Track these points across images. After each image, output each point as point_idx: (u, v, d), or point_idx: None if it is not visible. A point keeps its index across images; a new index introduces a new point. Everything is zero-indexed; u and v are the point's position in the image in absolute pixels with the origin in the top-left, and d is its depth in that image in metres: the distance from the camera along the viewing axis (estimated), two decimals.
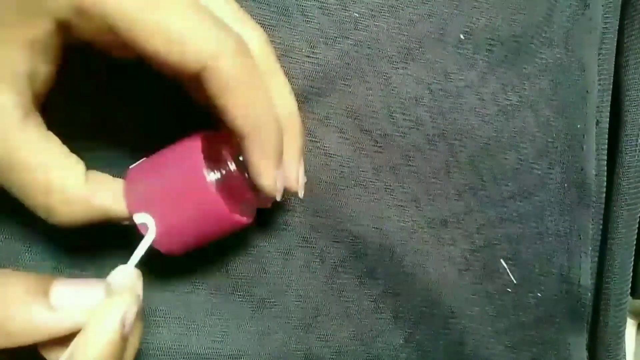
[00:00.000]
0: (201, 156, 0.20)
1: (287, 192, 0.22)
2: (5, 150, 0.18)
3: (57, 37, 0.18)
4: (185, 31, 0.17)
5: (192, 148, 0.20)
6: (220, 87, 0.18)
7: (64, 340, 0.18)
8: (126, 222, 0.21)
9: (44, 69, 0.18)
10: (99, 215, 0.20)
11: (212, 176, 0.20)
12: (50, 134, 0.19)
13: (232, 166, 0.21)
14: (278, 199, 0.21)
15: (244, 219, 0.21)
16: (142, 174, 0.21)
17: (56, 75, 0.19)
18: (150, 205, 0.20)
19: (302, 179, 0.23)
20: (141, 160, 0.21)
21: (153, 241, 0.20)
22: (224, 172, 0.20)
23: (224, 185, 0.20)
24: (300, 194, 0.23)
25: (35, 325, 0.17)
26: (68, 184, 0.19)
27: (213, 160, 0.20)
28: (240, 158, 0.21)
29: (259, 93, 0.19)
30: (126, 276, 0.19)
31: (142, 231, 0.20)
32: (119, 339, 0.18)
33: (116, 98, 0.24)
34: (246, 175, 0.21)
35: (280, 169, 0.21)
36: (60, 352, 0.18)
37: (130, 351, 0.19)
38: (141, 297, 0.20)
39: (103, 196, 0.20)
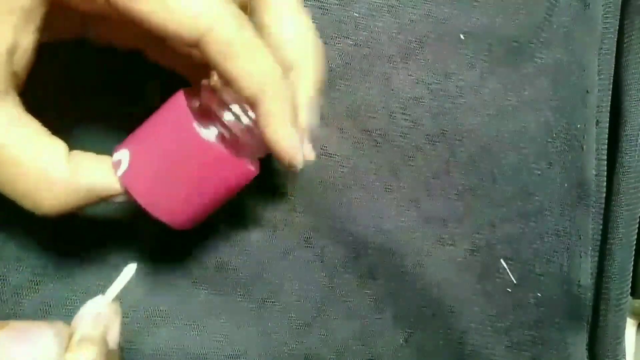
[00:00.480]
0: (186, 108, 0.19)
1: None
2: None
3: (44, 5, 0.17)
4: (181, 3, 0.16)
5: (177, 103, 0.19)
6: (221, 51, 0.17)
7: None
8: (118, 200, 0.20)
9: (26, 42, 0.17)
10: (84, 196, 0.19)
11: (208, 132, 0.19)
12: (29, 115, 0.18)
13: (227, 114, 0.19)
14: (299, 164, 0.20)
15: (252, 168, 0.20)
16: (131, 138, 0.20)
17: (35, 53, 0.18)
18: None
19: (298, 147, 0.20)
20: (128, 137, 0.20)
21: (165, 219, 0.19)
22: (217, 124, 0.19)
23: (221, 137, 0.19)
24: (299, 165, 0.20)
25: None
26: (48, 163, 0.18)
27: (203, 114, 0.19)
28: (231, 107, 0.20)
29: (262, 55, 0.18)
30: (95, 313, 0.19)
31: (116, 170, 0.19)
32: None
33: (101, 84, 0.24)
34: (242, 123, 0.20)
35: (290, 128, 0.19)
36: None
37: None
38: (115, 334, 0.19)
39: (87, 175, 0.19)
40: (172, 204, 0.20)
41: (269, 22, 0.20)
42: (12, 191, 0.18)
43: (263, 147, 0.20)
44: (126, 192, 0.19)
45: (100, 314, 0.19)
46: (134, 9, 0.16)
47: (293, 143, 0.19)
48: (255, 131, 0.20)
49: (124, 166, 0.19)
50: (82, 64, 0.23)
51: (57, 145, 0.18)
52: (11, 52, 0.17)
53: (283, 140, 0.19)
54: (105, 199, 0.19)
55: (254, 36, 0.18)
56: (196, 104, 0.20)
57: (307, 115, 0.21)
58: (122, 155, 0.19)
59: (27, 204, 0.18)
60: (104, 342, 0.18)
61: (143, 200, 0.19)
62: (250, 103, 0.18)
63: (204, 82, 0.20)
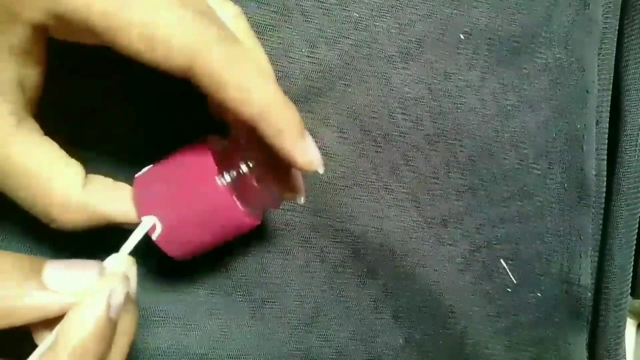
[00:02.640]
0: (211, 158, 0.19)
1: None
2: (1, 157, 0.18)
3: (39, 41, 0.17)
4: (166, 29, 0.16)
5: (202, 151, 0.20)
6: (214, 80, 0.17)
7: (55, 322, 0.17)
8: (129, 226, 0.21)
9: (32, 74, 0.18)
10: (98, 221, 0.20)
11: (224, 179, 0.20)
12: (47, 138, 0.19)
13: (244, 168, 0.20)
14: (321, 171, 0.20)
15: (255, 221, 0.21)
16: (151, 179, 0.20)
17: (44, 78, 0.19)
18: (158, 208, 0.20)
19: (315, 153, 0.20)
20: (148, 167, 0.21)
21: (162, 245, 0.20)
22: (234, 174, 0.20)
23: (235, 187, 0.20)
24: (320, 169, 0.20)
25: (26, 304, 0.17)
26: (66, 189, 0.19)
27: (223, 163, 0.20)
28: (249, 163, 0.20)
29: (254, 75, 0.17)
30: (118, 261, 0.19)
31: (151, 234, 0.20)
32: (105, 321, 0.17)
33: (117, 101, 0.24)
34: (255, 179, 0.21)
35: (305, 139, 0.19)
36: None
37: (123, 341, 0.18)
38: (134, 283, 0.19)
39: (103, 202, 0.19)
40: (186, 246, 0.21)
41: None
42: (30, 209, 0.19)
43: (275, 200, 0.22)
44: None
45: (120, 260, 0.19)
46: (127, 49, 0.16)
47: (312, 152, 0.19)
48: (269, 184, 0.21)
49: (158, 229, 0.20)
50: (100, 80, 0.24)
51: (75, 169, 0.19)
52: (21, 83, 0.18)
53: (303, 153, 0.19)
54: (116, 225, 0.20)
55: (242, 57, 0.17)
56: (219, 148, 0.21)
57: None
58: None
59: (44, 221, 0.19)
60: (127, 279, 0.19)
61: (169, 251, 0.21)
62: (254, 128, 0.18)
63: (235, 155, 0.21)
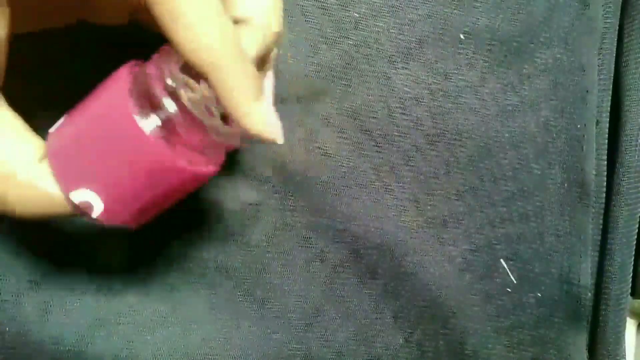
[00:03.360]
0: (127, 93, 0.16)
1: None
2: None
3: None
4: None
5: (118, 85, 0.16)
6: (164, 14, 0.15)
7: None
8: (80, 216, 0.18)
9: None
10: (58, 204, 0.17)
11: (147, 120, 0.16)
12: (8, 111, 0.17)
13: (171, 105, 0.16)
14: (279, 141, 0.17)
15: (210, 168, 0.17)
16: (66, 139, 0.17)
17: (7, 47, 0.17)
18: (85, 177, 0.16)
19: (273, 119, 0.18)
20: (62, 119, 0.17)
21: (103, 217, 0.17)
22: (162, 115, 0.16)
23: (167, 127, 0.16)
24: (279, 139, 0.18)
25: None
26: (18, 164, 0.16)
27: (146, 102, 0.16)
28: (179, 75, 0.17)
29: (210, 19, 0.15)
30: None
31: (88, 211, 0.16)
32: None
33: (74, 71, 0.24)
34: (200, 109, 0.17)
35: (261, 102, 0.17)
36: None
37: None
38: None
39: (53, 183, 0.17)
40: (131, 211, 0.17)
41: None
42: None
43: (231, 136, 0.17)
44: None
45: None
46: None
47: (267, 118, 0.17)
48: (206, 121, 0.17)
49: (98, 207, 0.16)
50: (70, 55, 0.23)
51: (34, 144, 0.17)
52: None
53: (256, 119, 0.17)
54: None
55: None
56: (142, 82, 0.17)
57: (270, 78, 0.19)
58: (60, 119, 0.17)
59: (5, 212, 0.17)
60: None
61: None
62: (203, 77, 0.16)
63: (158, 53, 0.17)
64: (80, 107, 0.17)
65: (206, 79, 0.16)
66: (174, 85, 0.16)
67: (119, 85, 0.16)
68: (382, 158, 0.27)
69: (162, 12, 0.15)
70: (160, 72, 0.16)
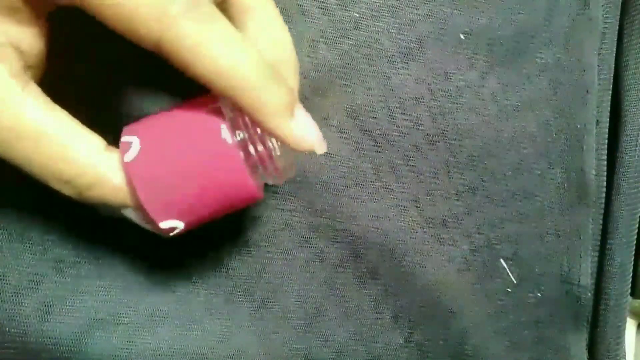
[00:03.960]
0: (220, 112, 0.17)
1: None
2: (11, 121, 0.16)
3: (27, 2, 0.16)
4: (130, 4, 0.15)
5: (209, 105, 0.18)
6: (183, 55, 0.16)
7: None
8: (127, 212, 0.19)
9: (27, 37, 0.17)
10: (118, 196, 0.18)
11: (232, 136, 0.17)
12: (57, 106, 0.18)
13: (254, 129, 0.18)
14: (319, 151, 0.18)
15: (259, 193, 0.19)
16: (156, 172, 0.18)
17: (45, 48, 0.18)
18: (178, 212, 0.18)
19: (312, 132, 0.18)
20: (137, 149, 0.18)
21: (158, 219, 0.18)
22: (243, 134, 0.18)
23: (243, 148, 0.18)
24: (319, 149, 0.19)
25: None
26: (87, 155, 0.17)
27: (232, 122, 0.18)
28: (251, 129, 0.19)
29: (228, 46, 0.16)
30: None
31: (169, 232, 0.18)
32: None
33: (130, 84, 0.24)
34: (268, 143, 0.19)
35: (294, 116, 0.18)
36: None
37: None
38: None
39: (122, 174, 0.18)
40: (171, 207, 0.18)
41: (246, 27, 0.19)
42: (44, 176, 0.17)
43: (278, 174, 0.19)
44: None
45: None
46: (95, 12, 0.15)
47: (303, 130, 0.18)
48: (274, 158, 0.19)
49: (133, 152, 0.18)
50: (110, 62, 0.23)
51: (95, 136, 0.18)
52: (16, 45, 0.17)
53: (291, 132, 0.17)
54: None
55: (213, 29, 0.16)
56: (229, 112, 0.18)
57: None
58: (133, 139, 0.18)
59: (58, 189, 0.18)
60: None
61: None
62: (232, 102, 0.17)
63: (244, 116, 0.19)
64: (168, 143, 0.18)
65: (237, 102, 0.17)
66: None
67: (213, 122, 0.17)
68: (382, 158, 0.27)
69: (179, 59, 0.16)
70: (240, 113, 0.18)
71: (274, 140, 0.19)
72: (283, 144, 0.18)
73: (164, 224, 0.18)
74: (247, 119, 0.18)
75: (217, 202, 0.18)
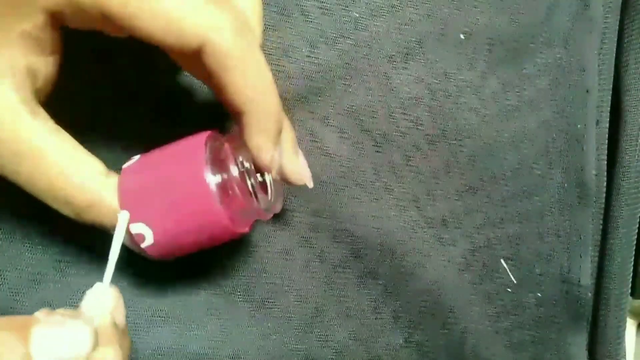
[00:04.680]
0: (203, 154, 0.19)
1: (294, 185, 0.22)
2: (17, 145, 0.17)
3: (52, 29, 0.17)
4: (180, 11, 0.17)
5: (196, 146, 0.19)
6: (219, 64, 0.17)
7: None
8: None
9: (44, 63, 0.18)
10: (112, 218, 0.19)
11: (214, 180, 0.19)
12: (62, 129, 0.19)
13: (236, 171, 0.19)
14: (310, 185, 0.21)
15: (245, 229, 0.21)
16: (138, 176, 0.19)
17: (57, 71, 0.19)
18: (146, 213, 0.19)
19: (305, 170, 0.22)
20: (136, 159, 0.20)
21: (147, 248, 0.20)
22: (226, 176, 0.19)
23: (225, 191, 0.19)
24: (310, 184, 0.22)
25: None
26: (86, 178, 0.18)
27: (217, 161, 0.19)
28: (246, 164, 0.20)
29: (259, 68, 0.18)
30: (99, 300, 0.18)
31: (139, 241, 0.19)
32: None
33: (116, 97, 0.24)
34: (250, 183, 0.20)
35: (278, 148, 0.20)
36: None
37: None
38: (122, 313, 0.19)
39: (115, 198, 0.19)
40: (168, 248, 0.20)
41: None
42: (45, 198, 0.18)
43: (267, 211, 0.21)
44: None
45: (104, 299, 0.19)
46: (133, 26, 0.17)
47: (303, 166, 0.20)
48: (258, 195, 0.20)
49: (149, 240, 0.19)
50: (105, 78, 0.24)
51: (95, 160, 0.19)
52: (32, 72, 0.18)
53: (294, 165, 0.20)
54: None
55: (252, 46, 0.18)
56: (216, 144, 0.20)
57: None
58: (134, 159, 0.20)
59: (59, 210, 0.19)
60: (116, 326, 0.18)
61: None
62: (238, 114, 0.19)
63: (229, 156, 0.20)
64: (156, 157, 0.20)
65: (240, 116, 0.19)
66: (240, 160, 0.20)
67: (199, 141, 0.19)
68: (382, 158, 0.27)
69: (217, 66, 0.17)
70: (232, 149, 0.20)
71: (266, 176, 0.21)
72: (284, 177, 0.20)
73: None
74: (240, 158, 0.20)
75: (192, 228, 0.19)
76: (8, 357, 0.16)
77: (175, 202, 0.19)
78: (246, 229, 0.21)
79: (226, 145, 0.20)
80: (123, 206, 0.19)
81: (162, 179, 0.19)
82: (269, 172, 0.20)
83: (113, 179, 0.19)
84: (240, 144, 0.20)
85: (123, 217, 0.19)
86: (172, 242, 0.20)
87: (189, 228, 0.19)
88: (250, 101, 0.18)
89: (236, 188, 0.19)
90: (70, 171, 0.18)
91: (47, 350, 0.16)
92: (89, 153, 0.19)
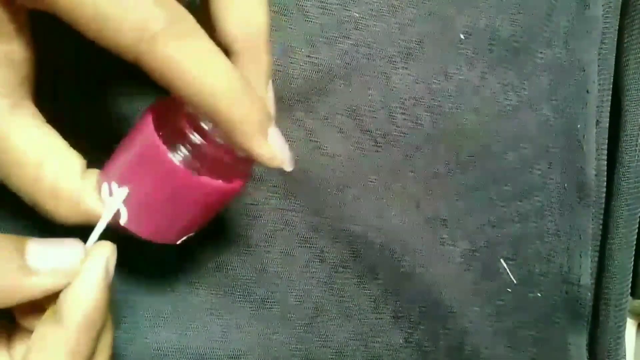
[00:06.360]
0: (156, 137, 0.17)
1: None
2: None
3: (9, 10, 0.16)
4: (113, 14, 0.15)
5: (146, 127, 0.18)
6: (162, 71, 0.15)
7: (40, 305, 0.17)
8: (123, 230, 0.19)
9: (16, 48, 0.17)
10: (88, 217, 0.18)
11: (176, 155, 0.18)
12: (47, 125, 0.18)
13: (195, 137, 0.18)
14: (287, 169, 0.19)
15: (236, 182, 0.19)
16: (113, 164, 0.19)
17: (34, 53, 0.18)
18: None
19: (284, 149, 0.19)
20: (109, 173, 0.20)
21: (128, 226, 0.19)
22: (189, 146, 0.18)
23: (195, 156, 0.18)
24: (287, 167, 0.19)
25: (10, 286, 0.16)
26: (56, 178, 0.17)
27: (174, 131, 0.18)
28: (203, 125, 0.18)
29: (208, 64, 0.16)
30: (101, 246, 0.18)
31: (117, 218, 0.19)
32: (105, 287, 0.17)
33: (119, 95, 0.24)
34: (214, 142, 0.18)
35: (267, 136, 0.18)
36: (35, 317, 0.17)
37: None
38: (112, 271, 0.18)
39: (96, 197, 0.18)
40: (168, 229, 0.19)
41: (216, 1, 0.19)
42: (28, 197, 0.18)
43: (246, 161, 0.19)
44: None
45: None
46: (68, 15, 0.15)
47: (275, 148, 0.18)
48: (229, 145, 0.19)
49: (124, 216, 0.19)
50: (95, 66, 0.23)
51: (76, 159, 0.18)
52: (9, 60, 0.17)
53: (264, 150, 0.17)
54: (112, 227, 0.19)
55: (191, 42, 0.16)
56: (167, 120, 0.19)
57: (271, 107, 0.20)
58: (117, 202, 0.19)
59: (42, 212, 0.18)
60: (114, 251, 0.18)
61: (152, 237, 0.19)
62: (209, 118, 0.17)
63: (184, 122, 0.19)
64: (123, 158, 0.19)
65: (214, 119, 0.17)
66: (194, 116, 0.18)
67: (147, 128, 0.18)
68: (382, 158, 0.27)
69: (156, 71, 0.15)
70: (180, 109, 0.18)
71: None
72: (256, 160, 0.18)
73: (105, 188, 0.18)
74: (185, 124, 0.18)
75: (195, 211, 0.19)
76: (5, 268, 0.16)
77: (145, 179, 0.18)
78: (238, 182, 0.19)
79: (174, 104, 0.19)
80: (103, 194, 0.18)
81: (134, 167, 0.18)
82: (273, 166, 0.18)
83: (90, 179, 0.18)
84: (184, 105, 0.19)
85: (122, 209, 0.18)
86: (152, 216, 0.19)
87: (164, 198, 0.18)
88: (208, 103, 0.16)
89: (203, 149, 0.18)
90: (44, 170, 0.17)
91: (42, 261, 0.17)
92: (69, 149, 0.18)
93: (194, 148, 0.18)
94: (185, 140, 0.18)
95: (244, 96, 0.17)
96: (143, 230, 0.19)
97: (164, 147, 0.18)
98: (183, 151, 0.18)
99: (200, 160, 0.18)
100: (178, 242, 0.20)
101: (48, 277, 0.17)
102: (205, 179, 0.18)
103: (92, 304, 0.17)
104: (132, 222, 0.19)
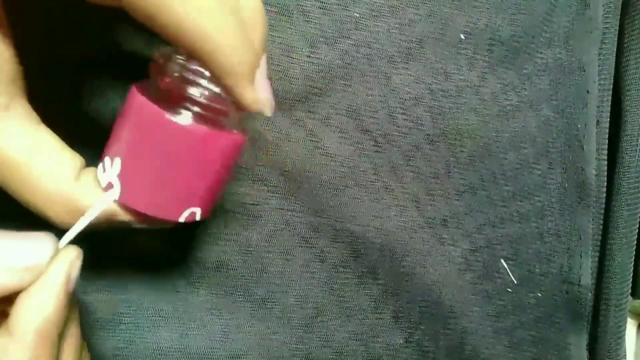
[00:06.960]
0: (143, 98, 0.17)
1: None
2: None
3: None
4: None
5: (140, 107, 0.17)
6: (148, 9, 0.14)
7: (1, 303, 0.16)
8: (138, 226, 0.19)
9: (2, 47, 0.16)
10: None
11: (169, 111, 0.17)
12: (42, 125, 0.18)
13: (192, 90, 0.18)
14: (267, 113, 0.18)
15: (240, 136, 0.19)
16: (105, 148, 0.18)
17: (14, 47, 0.17)
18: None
19: (268, 93, 0.18)
20: (107, 151, 0.19)
21: (140, 206, 0.18)
22: (187, 104, 0.18)
23: (196, 116, 0.18)
24: (267, 112, 0.18)
25: None
26: (50, 179, 0.17)
27: (168, 98, 0.18)
28: (200, 81, 0.18)
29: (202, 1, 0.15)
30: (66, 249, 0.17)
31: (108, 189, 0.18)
32: (64, 295, 0.16)
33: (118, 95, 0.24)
34: (210, 91, 0.18)
35: (254, 79, 0.17)
36: None
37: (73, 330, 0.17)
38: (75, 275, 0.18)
39: (91, 196, 0.18)
40: (178, 202, 0.18)
41: None
42: (23, 201, 0.17)
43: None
44: (127, 210, 0.18)
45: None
46: None
47: (262, 93, 0.17)
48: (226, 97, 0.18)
49: (117, 189, 0.18)
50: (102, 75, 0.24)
51: (71, 160, 0.18)
52: None
53: (252, 96, 0.17)
54: (109, 222, 0.18)
55: None
56: (156, 91, 0.18)
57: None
58: (111, 177, 0.18)
59: (38, 214, 0.18)
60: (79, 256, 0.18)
61: (151, 211, 0.18)
62: (195, 58, 0.16)
63: (152, 62, 0.18)
64: (120, 134, 0.18)
65: (201, 55, 0.16)
66: (182, 75, 0.17)
67: (140, 103, 0.17)
68: (382, 158, 0.27)
69: (144, 12, 0.14)
70: (164, 72, 0.18)
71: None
72: (238, 103, 0.17)
73: (106, 161, 0.18)
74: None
75: (210, 169, 0.18)
76: None
77: (168, 159, 0.17)
78: (240, 135, 0.19)
79: (159, 76, 0.18)
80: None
81: (145, 156, 0.18)
82: (256, 109, 0.18)
83: (87, 179, 0.18)
84: (168, 62, 0.18)
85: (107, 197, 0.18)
86: (140, 175, 0.18)
87: (144, 148, 0.17)
88: (190, 39, 0.15)
89: (205, 104, 0.17)
90: (35, 176, 0.17)
91: (10, 254, 0.16)
92: (64, 150, 0.18)
93: (181, 100, 0.17)
94: (171, 96, 0.17)
95: (234, 38, 0.16)
96: (139, 202, 0.18)
97: (152, 104, 0.17)
98: (174, 107, 0.17)
99: (202, 117, 0.18)
100: (180, 220, 0.19)
101: (16, 275, 0.15)
102: (197, 126, 0.17)
103: (47, 317, 0.15)
104: (127, 194, 0.18)
